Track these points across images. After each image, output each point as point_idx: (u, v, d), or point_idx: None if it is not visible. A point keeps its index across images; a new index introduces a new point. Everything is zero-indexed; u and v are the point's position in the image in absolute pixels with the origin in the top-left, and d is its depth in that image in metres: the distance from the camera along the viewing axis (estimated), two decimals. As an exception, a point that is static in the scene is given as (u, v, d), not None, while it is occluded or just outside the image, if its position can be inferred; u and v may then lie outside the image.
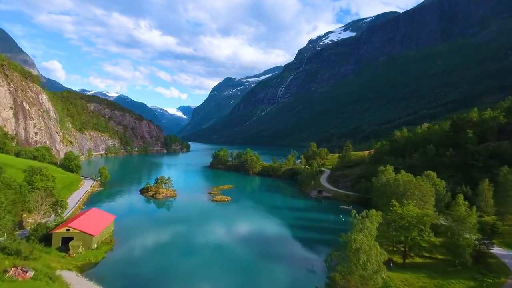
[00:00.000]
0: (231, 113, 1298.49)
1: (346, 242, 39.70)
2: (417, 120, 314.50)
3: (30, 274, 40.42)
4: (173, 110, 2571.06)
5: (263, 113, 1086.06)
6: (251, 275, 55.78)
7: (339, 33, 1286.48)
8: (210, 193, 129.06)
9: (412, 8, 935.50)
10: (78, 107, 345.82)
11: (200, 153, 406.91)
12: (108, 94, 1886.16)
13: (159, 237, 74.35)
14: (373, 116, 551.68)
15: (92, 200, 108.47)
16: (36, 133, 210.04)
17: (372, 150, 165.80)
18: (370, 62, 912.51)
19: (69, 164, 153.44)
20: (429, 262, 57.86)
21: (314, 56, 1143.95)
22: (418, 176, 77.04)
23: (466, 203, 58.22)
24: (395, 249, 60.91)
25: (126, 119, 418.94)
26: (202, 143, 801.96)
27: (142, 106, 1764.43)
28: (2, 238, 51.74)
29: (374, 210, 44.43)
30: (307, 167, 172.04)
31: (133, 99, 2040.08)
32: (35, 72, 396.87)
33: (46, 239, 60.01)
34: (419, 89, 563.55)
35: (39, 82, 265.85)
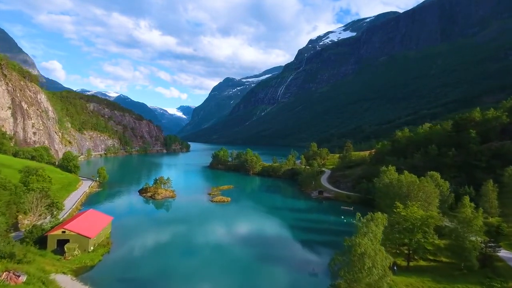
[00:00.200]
0: (231, 113, 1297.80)
1: (350, 246, 38.03)
2: (417, 120, 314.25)
3: (23, 278, 39.18)
4: (173, 110, 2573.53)
5: (263, 113, 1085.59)
6: (251, 277, 54.69)
7: (339, 33, 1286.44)
8: (209, 194, 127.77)
9: (412, 8, 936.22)
10: (78, 107, 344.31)
11: (200, 153, 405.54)
12: (108, 94, 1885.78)
13: (157, 239, 72.96)
14: (373, 116, 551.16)
15: (90, 201, 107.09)
16: (34, 133, 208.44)
17: (373, 150, 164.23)
18: (370, 62, 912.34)
19: (67, 165, 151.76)
20: (434, 265, 56.50)
21: (314, 56, 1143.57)
22: (422, 177, 75.54)
23: (472, 204, 56.93)
24: (398, 251, 59.79)
25: (125, 119, 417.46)
26: (202, 143, 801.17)
27: (142, 106, 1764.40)
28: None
29: (379, 213, 42.73)
30: (308, 167, 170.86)
31: (133, 99, 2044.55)
32: (35, 72, 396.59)
33: (41, 241, 58.58)
34: (419, 89, 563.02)
35: (37, 81, 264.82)
